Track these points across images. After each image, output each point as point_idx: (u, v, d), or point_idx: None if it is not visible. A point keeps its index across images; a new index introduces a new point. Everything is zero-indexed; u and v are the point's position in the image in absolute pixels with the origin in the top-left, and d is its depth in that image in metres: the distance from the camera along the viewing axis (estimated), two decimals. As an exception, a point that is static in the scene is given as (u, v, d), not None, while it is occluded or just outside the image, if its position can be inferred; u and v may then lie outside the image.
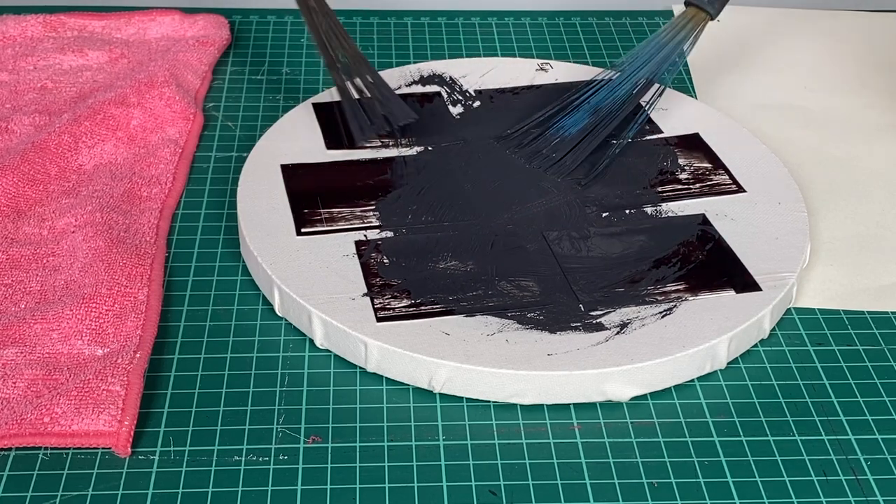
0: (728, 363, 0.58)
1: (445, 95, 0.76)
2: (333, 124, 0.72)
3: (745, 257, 0.62)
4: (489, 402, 0.55)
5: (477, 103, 0.75)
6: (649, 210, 0.66)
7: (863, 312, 0.62)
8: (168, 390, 0.55)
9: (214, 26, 0.84)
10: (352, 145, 0.68)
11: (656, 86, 0.69)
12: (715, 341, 0.56)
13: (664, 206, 0.66)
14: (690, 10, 0.71)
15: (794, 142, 0.75)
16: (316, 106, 0.74)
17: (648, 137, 0.72)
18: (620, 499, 0.51)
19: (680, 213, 0.65)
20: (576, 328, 0.57)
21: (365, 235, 0.63)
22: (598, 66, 0.81)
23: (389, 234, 0.63)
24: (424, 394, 0.56)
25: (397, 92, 0.75)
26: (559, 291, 0.59)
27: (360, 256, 0.61)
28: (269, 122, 0.74)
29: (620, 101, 0.64)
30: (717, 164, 0.69)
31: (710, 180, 0.68)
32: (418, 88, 0.76)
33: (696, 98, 0.79)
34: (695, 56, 0.84)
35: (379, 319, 0.57)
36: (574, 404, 0.55)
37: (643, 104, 0.70)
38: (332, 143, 0.70)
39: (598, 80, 0.65)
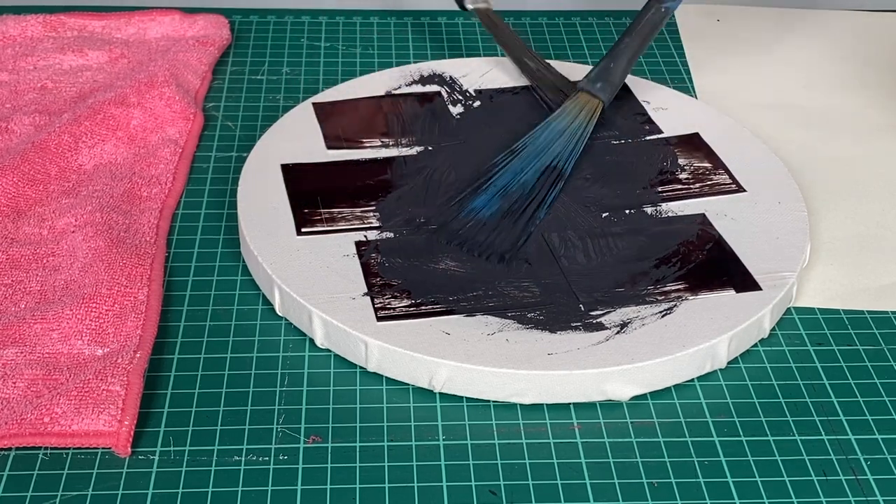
0: (728, 363, 0.58)
1: (445, 95, 0.76)
2: (333, 124, 0.72)
3: (745, 257, 0.62)
4: (489, 401, 0.55)
5: (477, 103, 0.75)
6: (649, 210, 0.66)
7: (863, 312, 0.62)
8: (168, 390, 0.55)
9: (214, 26, 0.84)
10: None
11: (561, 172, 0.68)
12: (715, 341, 0.56)
13: (664, 206, 0.66)
14: (583, 95, 0.70)
15: (794, 142, 0.75)
16: (316, 106, 0.74)
17: (648, 137, 0.72)
18: (620, 499, 0.51)
19: (680, 213, 0.65)
20: (576, 328, 0.57)
21: (365, 236, 0.63)
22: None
23: (390, 234, 0.63)
24: (424, 393, 0.56)
25: (397, 91, 0.75)
26: (559, 291, 0.59)
27: (360, 256, 0.61)
28: (269, 122, 0.74)
29: (528, 186, 0.65)
30: (717, 164, 0.69)
31: (710, 180, 0.68)
32: (418, 88, 0.76)
33: (696, 98, 0.79)
34: (695, 56, 0.84)
35: (379, 319, 0.57)
36: (574, 404, 0.55)
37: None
38: (331, 143, 0.70)
39: (498, 162, 0.66)
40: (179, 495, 0.50)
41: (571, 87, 0.73)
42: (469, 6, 0.76)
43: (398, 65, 0.80)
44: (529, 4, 0.90)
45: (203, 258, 0.64)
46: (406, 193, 0.66)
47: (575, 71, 0.78)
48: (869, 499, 0.51)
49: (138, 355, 0.56)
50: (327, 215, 0.64)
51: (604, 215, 0.65)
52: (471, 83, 0.77)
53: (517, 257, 0.61)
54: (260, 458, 0.52)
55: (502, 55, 0.79)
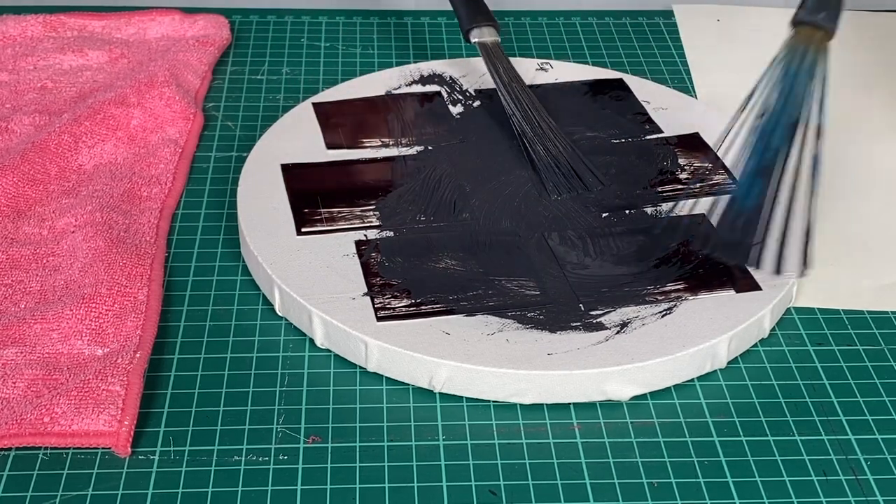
0: (728, 363, 0.58)
1: (445, 95, 0.76)
2: (333, 124, 0.72)
3: (745, 257, 0.62)
4: (489, 401, 0.55)
5: (477, 103, 0.75)
6: (649, 210, 0.66)
7: (863, 312, 0.62)
8: (168, 390, 0.55)
9: (214, 26, 0.84)
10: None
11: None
12: (715, 341, 0.56)
13: (664, 206, 0.66)
14: (805, 30, 0.61)
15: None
16: (316, 106, 0.74)
17: (648, 137, 0.72)
18: (620, 499, 0.51)
19: (680, 213, 0.65)
20: (576, 328, 0.57)
21: (365, 235, 0.63)
22: (598, 66, 0.81)
23: (390, 233, 0.63)
24: (424, 394, 0.56)
25: (396, 91, 0.75)
26: (559, 291, 0.59)
27: (360, 256, 0.61)
28: (269, 122, 0.74)
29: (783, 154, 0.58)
30: (718, 164, 0.69)
31: (710, 180, 0.68)
32: (418, 88, 0.76)
33: (696, 98, 0.79)
34: (695, 56, 0.84)
35: (379, 319, 0.57)
36: (574, 404, 0.55)
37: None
38: (331, 143, 0.70)
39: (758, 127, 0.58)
40: (179, 495, 0.50)
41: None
42: (474, 40, 0.75)
43: (398, 65, 0.80)
44: (530, 4, 0.90)
45: (203, 258, 0.64)
46: (406, 193, 0.66)
47: (576, 71, 0.78)
48: (869, 499, 0.51)
49: (138, 355, 0.56)
50: (327, 215, 0.64)
51: (604, 215, 0.65)
52: (471, 83, 0.77)
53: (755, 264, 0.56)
54: (260, 458, 0.52)
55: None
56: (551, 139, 0.68)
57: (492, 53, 0.74)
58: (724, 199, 0.58)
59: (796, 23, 0.61)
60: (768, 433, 0.54)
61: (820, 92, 0.57)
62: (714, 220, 0.58)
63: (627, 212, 0.65)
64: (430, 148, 0.70)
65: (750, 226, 0.56)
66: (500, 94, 0.71)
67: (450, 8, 0.77)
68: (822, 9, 0.60)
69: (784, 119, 0.57)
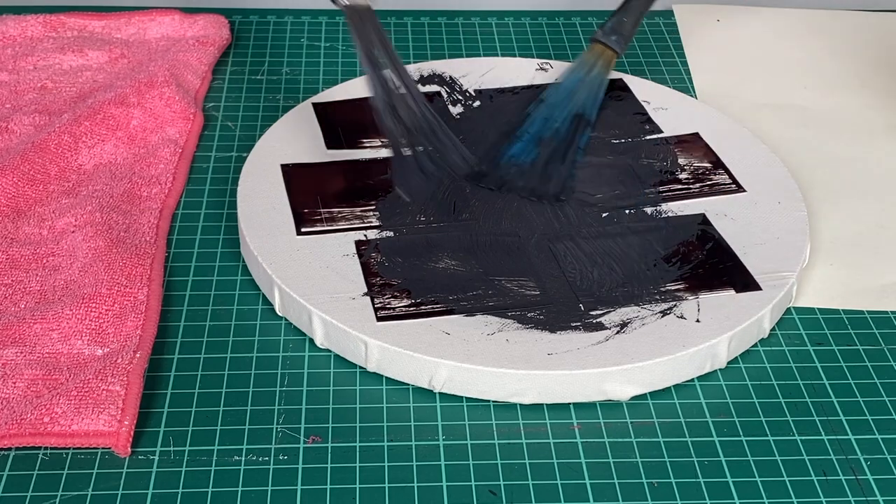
0: (728, 363, 0.58)
1: (445, 95, 0.76)
2: (333, 124, 0.72)
3: (745, 257, 0.62)
4: (489, 401, 0.55)
5: (477, 103, 0.75)
6: (649, 210, 0.66)
7: (863, 312, 0.62)
8: (168, 390, 0.55)
9: (214, 26, 0.84)
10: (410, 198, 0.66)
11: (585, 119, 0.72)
12: (715, 341, 0.56)
13: (664, 206, 0.66)
14: (598, 46, 0.74)
15: (794, 142, 0.75)
16: (316, 106, 0.74)
17: (648, 137, 0.72)
18: (620, 499, 0.51)
19: (680, 213, 0.65)
20: (576, 328, 0.57)
21: (365, 235, 0.63)
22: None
23: (390, 233, 0.63)
24: (424, 393, 0.56)
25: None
26: (559, 291, 0.59)
27: (360, 256, 0.61)
28: (269, 122, 0.74)
29: (561, 133, 0.70)
30: (717, 164, 0.69)
31: (710, 180, 0.68)
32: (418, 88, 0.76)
33: (696, 98, 0.79)
34: (695, 56, 0.84)
35: (379, 319, 0.57)
36: (574, 404, 0.55)
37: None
38: (331, 142, 0.70)
39: (528, 112, 0.71)
40: (179, 495, 0.50)
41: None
42: (344, 2, 0.70)
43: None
44: (529, 4, 0.90)
45: (203, 258, 0.64)
46: (406, 193, 0.66)
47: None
48: (869, 499, 0.51)
49: (138, 355, 0.56)
50: (327, 215, 0.64)
51: (604, 215, 0.65)
52: (471, 83, 0.77)
53: (569, 196, 0.65)
54: (260, 458, 0.52)
55: (486, 56, 0.79)
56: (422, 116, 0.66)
57: (364, 18, 0.68)
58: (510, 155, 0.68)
59: (594, 39, 0.75)
60: (768, 433, 0.54)
61: (597, 94, 0.72)
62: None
63: (627, 212, 0.65)
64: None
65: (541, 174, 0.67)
66: (370, 69, 0.67)
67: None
68: (614, 34, 0.74)
69: (567, 108, 0.71)
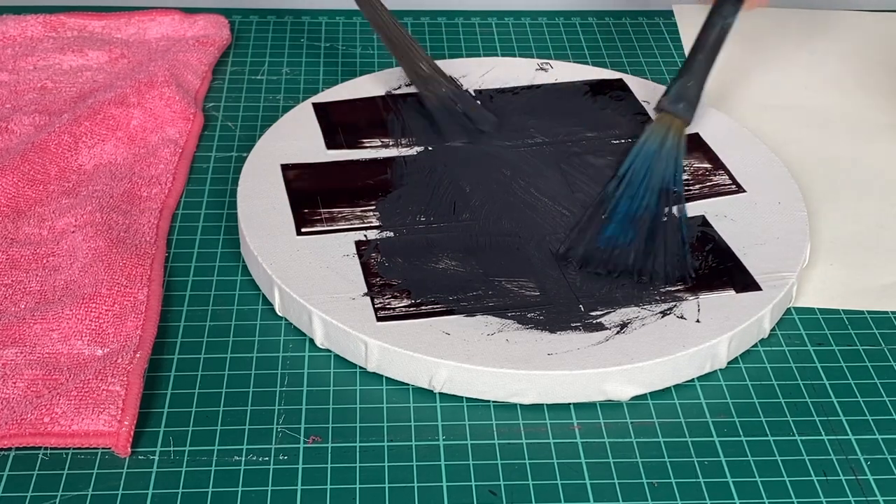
0: (728, 363, 0.58)
1: (445, 95, 0.75)
2: (333, 124, 0.72)
3: (745, 257, 0.62)
4: (489, 402, 0.55)
5: (477, 103, 0.75)
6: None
7: (863, 312, 0.62)
8: (168, 390, 0.55)
9: (214, 26, 0.84)
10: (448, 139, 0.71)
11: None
12: (715, 341, 0.56)
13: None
14: (666, 116, 0.69)
15: (794, 142, 0.75)
16: (316, 106, 0.74)
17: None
18: (620, 499, 0.51)
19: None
20: (576, 328, 0.57)
21: (365, 235, 0.63)
22: (598, 66, 0.81)
23: (390, 234, 0.63)
24: (424, 394, 0.56)
25: (397, 91, 0.75)
26: (559, 291, 0.59)
27: (360, 256, 0.61)
28: (269, 122, 0.74)
29: (651, 210, 0.64)
30: (717, 165, 0.69)
31: (710, 181, 0.68)
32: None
33: (696, 98, 0.79)
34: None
35: (379, 319, 0.57)
36: (574, 404, 0.55)
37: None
38: (331, 142, 0.70)
39: (609, 191, 0.66)
40: (179, 495, 0.50)
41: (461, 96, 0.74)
42: None
43: (398, 65, 0.80)
44: (529, 4, 0.90)
45: (203, 258, 0.64)
46: (406, 193, 0.66)
47: (576, 71, 0.78)
48: (869, 499, 0.51)
49: (138, 355, 0.56)
50: (327, 215, 0.64)
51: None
52: (471, 83, 0.77)
53: (690, 276, 0.60)
54: (260, 458, 0.52)
55: (486, 56, 0.78)
56: (438, 81, 0.71)
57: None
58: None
59: (661, 109, 0.70)
60: (768, 433, 0.54)
61: (676, 167, 0.67)
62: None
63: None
64: (430, 148, 0.70)
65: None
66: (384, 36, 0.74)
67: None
68: (681, 101, 0.69)
69: (650, 184, 0.65)
